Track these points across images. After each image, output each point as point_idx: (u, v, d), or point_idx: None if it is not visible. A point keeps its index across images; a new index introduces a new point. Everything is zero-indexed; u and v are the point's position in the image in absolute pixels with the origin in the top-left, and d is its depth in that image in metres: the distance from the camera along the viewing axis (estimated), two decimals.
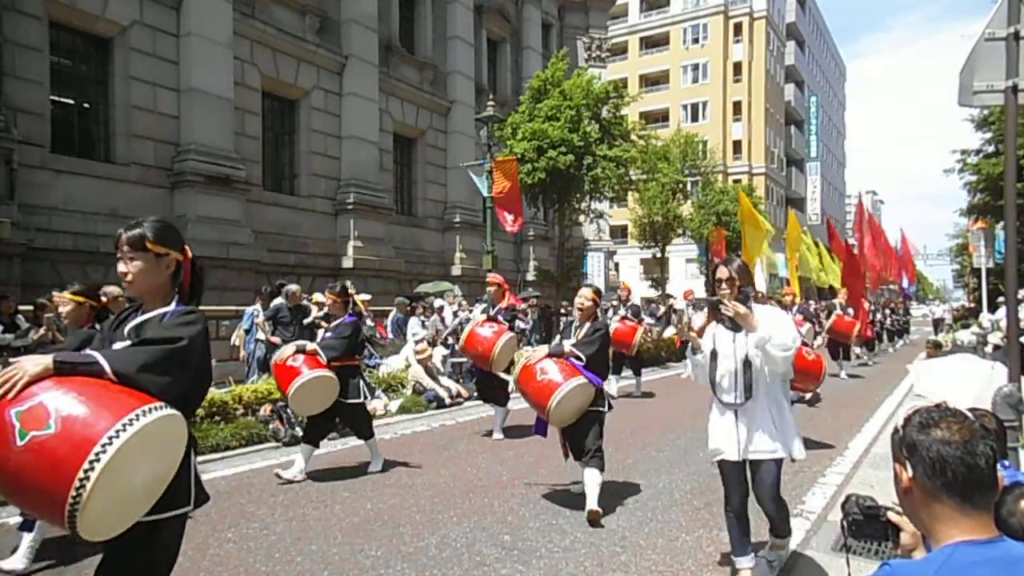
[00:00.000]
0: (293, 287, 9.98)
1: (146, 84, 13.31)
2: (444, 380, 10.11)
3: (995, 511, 1.34)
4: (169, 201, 13.62)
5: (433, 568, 3.78)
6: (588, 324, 4.92)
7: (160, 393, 1.90)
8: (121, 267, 2.17)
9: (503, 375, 7.48)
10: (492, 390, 7.65)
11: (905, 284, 28.40)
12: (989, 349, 11.01)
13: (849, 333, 12.81)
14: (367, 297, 13.00)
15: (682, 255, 42.36)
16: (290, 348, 5.65)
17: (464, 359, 9.81)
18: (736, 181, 43.71)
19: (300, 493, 5.31)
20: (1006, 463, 2.25)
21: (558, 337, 5.24)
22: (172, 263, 2.23)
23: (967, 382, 5.48)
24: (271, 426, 7.28)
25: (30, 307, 8.35)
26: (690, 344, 3.54)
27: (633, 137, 20.24)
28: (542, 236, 24.94)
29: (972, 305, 24.82)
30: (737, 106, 51.49)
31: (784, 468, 3.47)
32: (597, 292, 5.12)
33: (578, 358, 4.71)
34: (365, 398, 6.10)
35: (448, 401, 9.66)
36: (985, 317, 13.39)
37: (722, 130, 49.69)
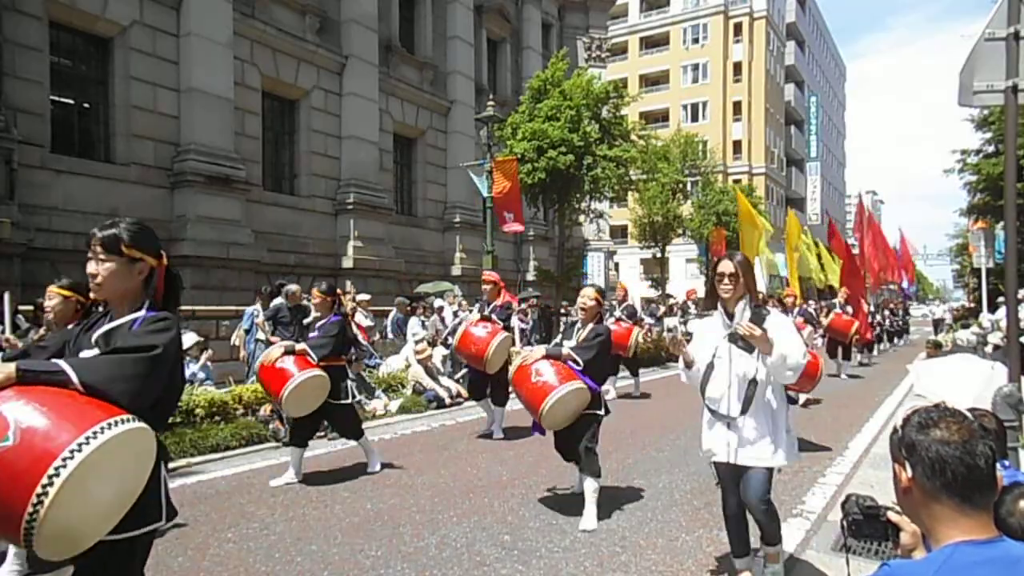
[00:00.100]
0: (293, 287, 9.96)
1: (146, 84, 13.31)
2: (444, 380, 10.11)
3: (994, 511, 1.34)
4: (169, 201, 13.62)
5: (433, 568, 3.78)
6: (590, 326, 4.80)
7: (130, 404, 1.81)
8: (91, 267, 2.08)
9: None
10: (492, 390, 7.58)
11: (905, 284, 28.41)
12: (989, 349, 11.02)
13: (846, 331, 12.81)
14: (367, 297, 13.06)
15: (682, 255, 42.36)
16: (277, 350, 5.51)
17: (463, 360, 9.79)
18: (736, 181, 43.71)
19: (300, 493, 5.31)
20: (1006, 463, 2.26)
21: (559, 337, 5.18)
22: (145, 269, 2.14)
23: (967, 382, 5.48)
24: (271, 426, 7.29)
25: (30, 307, 8.34)
26: (681, 358, 3.44)
27: (633, 137, 20.19)
28: (542, 236, 24.92)
29: (972, 305, 24.80)
30: (737, 106, 51.52)
31: (784, 468, 3.45)
32: (600, 292, 5.01)
33: (575, 362, 4.61)
34: (353, 398, 6.07)
35: (448, 401, 9.67)
36: (985, 317, 13.39)
37: (722, 130, 49.71)
